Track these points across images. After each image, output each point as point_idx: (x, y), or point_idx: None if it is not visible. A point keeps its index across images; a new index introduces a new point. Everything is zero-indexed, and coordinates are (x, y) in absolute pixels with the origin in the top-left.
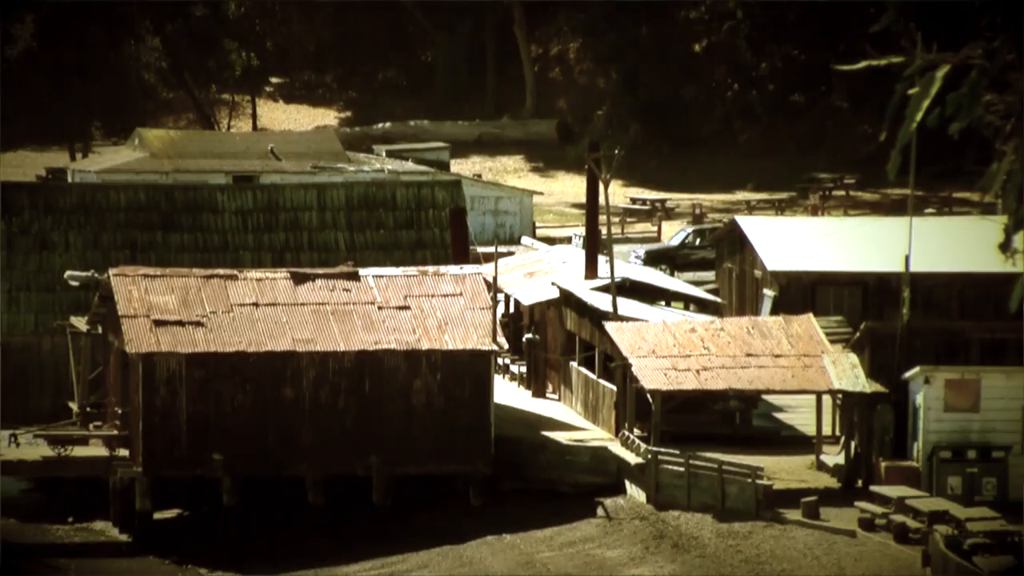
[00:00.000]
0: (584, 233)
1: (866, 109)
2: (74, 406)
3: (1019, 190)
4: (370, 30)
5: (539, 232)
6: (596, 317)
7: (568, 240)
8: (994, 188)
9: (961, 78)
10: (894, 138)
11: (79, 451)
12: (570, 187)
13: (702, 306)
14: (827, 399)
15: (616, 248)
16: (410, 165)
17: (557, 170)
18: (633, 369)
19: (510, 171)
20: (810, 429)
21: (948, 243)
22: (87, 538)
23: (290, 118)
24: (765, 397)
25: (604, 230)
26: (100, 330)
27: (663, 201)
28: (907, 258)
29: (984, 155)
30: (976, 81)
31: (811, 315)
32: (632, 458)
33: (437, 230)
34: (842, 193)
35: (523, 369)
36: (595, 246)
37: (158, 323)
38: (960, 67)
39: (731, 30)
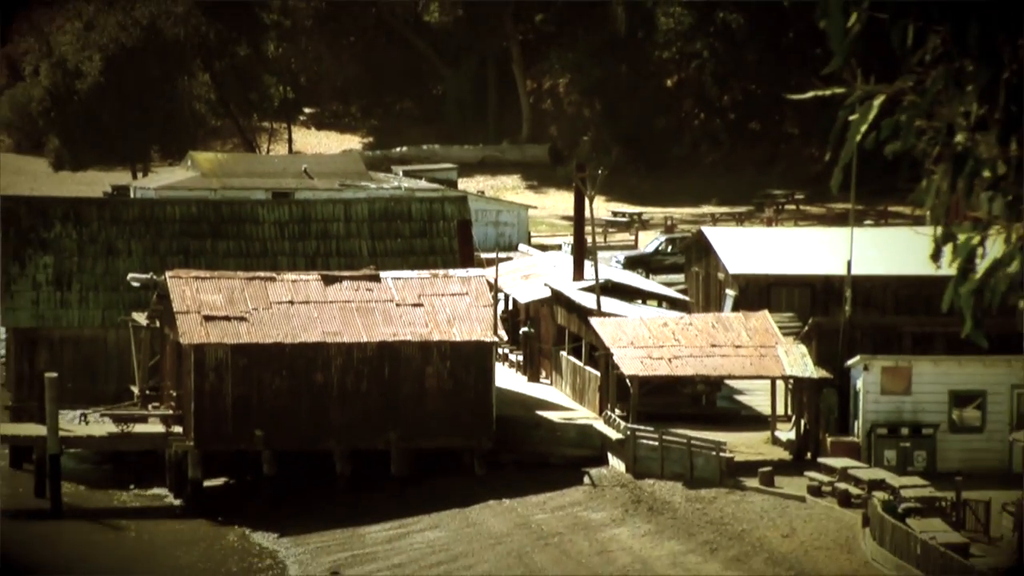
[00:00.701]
0: (572, 241)
1: (813, 135)
2: (135, 389)
3: (946, 207)
4: (389, 67)
5: (534, 240)
6: (582, 313)
7: (558, 247)
8: (925, 204)
9: (895, 106)
10: (837, 158)
11: (140, 428)
12: (560, 202)
13: (673, 304)
14: (780, 383)
15: (599, 254)
16: (423, 183)
17: (549, 187)
18: (614, 357)
19: (509, 188)
20: (766, 409)
21: (884, 250)
22: (146, 503)
23: (321, 143)
24: (727, 382)
25: (589, 239)
26: (158, 324)
27: (640, 214)
28: (849, 263)
29: (915, 174)
30: (908, 112)
31: (767, 312)
32: (613, 434)
33: (446, 239)
34: (793, 207)
35: (520, 358)
36: (582, 252)
37: (207, 318)
38: (894, 97)
39: (698, 68)
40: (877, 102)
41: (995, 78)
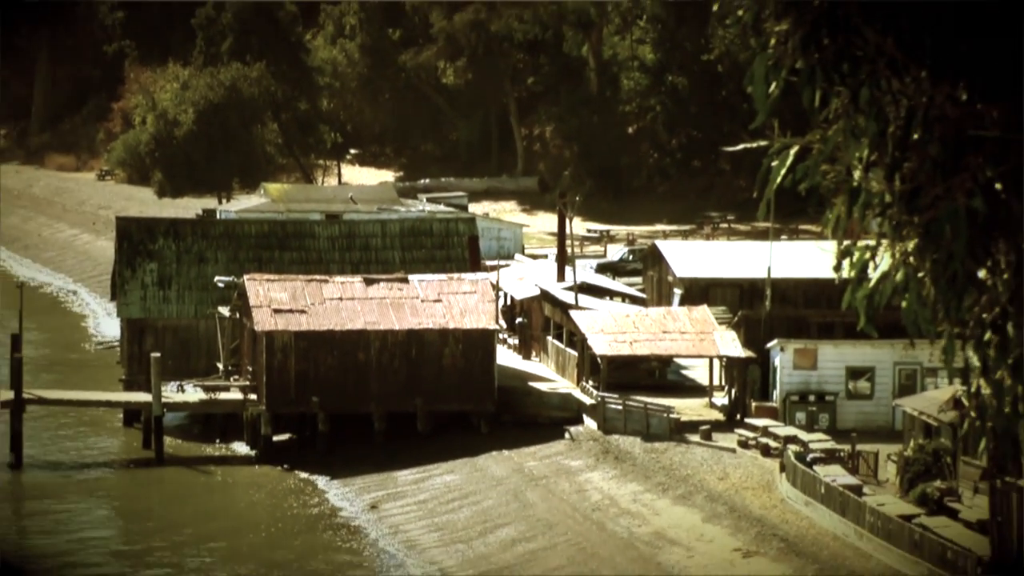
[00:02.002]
0: (556, 252)
1: (741, 171)
2: (220, 366)
3: (845, 229)
4: (415, 118)
5: (526, 251)
6: (564, 307)
7: (545, 257)
8: (829, 226)
9: (806, 154)
10: (762, 194)
11: (224, 396)
12: (547, 222)
13: (633, 300)
14: (716, 361)
15: (577, 262)
16: (442, 207)
17: (538, 210)
18: (588, 341)
19: (507, 211)
20: (705, 381)
21: (796, 259)
22: (228, 453)
23: (363, 176)
24: (675, 360)
25: (569, 250)
26: (238, 316)
27: (608, 231)
28: (769, 269)
29: (821, 203)
30: (816, 158)
31: (706, 306)
32: (587, 400)
33: (459, 250)
34: (725, 226)
35: (516, 341)
36: (563, 260)
37: (276, 311)
38: (805, 148)
39: (652, 119)
40: (793, 151)
41: (882, 132)
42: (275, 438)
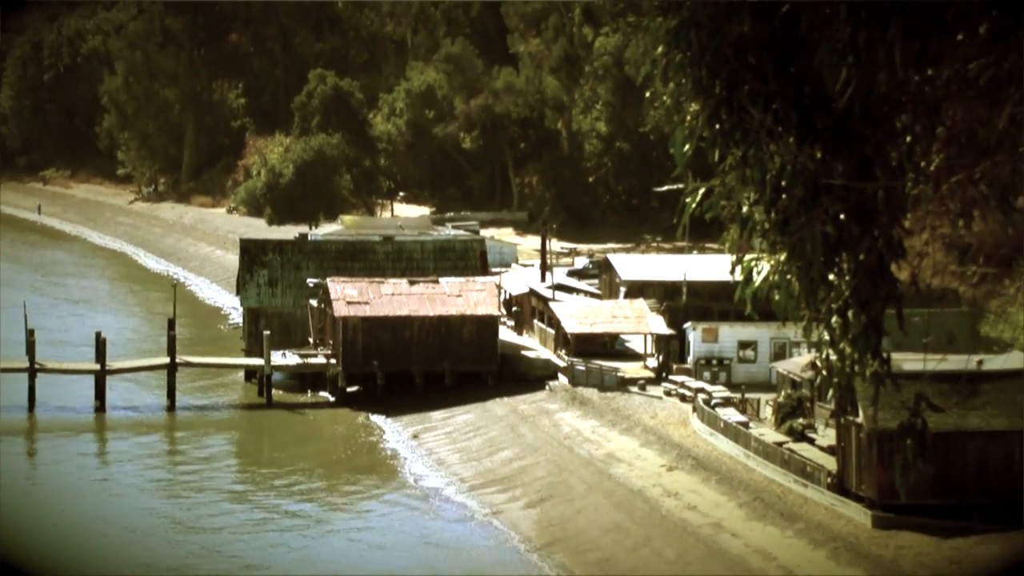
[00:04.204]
0: (539, 262)
1: (666, 206)
2: (311, 340)
3: (737, 245)
4: (443, 171)
5: (520, 262)
6: (545, 300)
7: (532, 265)
8: (726, 244)
9: (711, 193)
10: (680, 222)
11: (313, 361)
12: (533, 242)
13: (592, 295)
14: (649, 337)
15: (554, 269)
16: (462, 232)
17: (527, 234)
18: (562, 323)
19: (506, 235)
20: (641, 350)
21: (703, 267)
22: (316, 400)
23: (408, 211)
24: (622, 336)
25: (548, 261)
26: (322, 306)
27: (575, 248)
28: (685, 273)
29: (721, 227)
30: (717, 197)
31: (642, 299)
32: (561, 363)
33: (473, 261)
34: (655, 245)
35: (512, 323)
36: (544, 268)
37: (349, 303)
38: (710, 189)
39: (606, 172)
40: (701, 191)
41: (763, 179)
42: (348, 390)
